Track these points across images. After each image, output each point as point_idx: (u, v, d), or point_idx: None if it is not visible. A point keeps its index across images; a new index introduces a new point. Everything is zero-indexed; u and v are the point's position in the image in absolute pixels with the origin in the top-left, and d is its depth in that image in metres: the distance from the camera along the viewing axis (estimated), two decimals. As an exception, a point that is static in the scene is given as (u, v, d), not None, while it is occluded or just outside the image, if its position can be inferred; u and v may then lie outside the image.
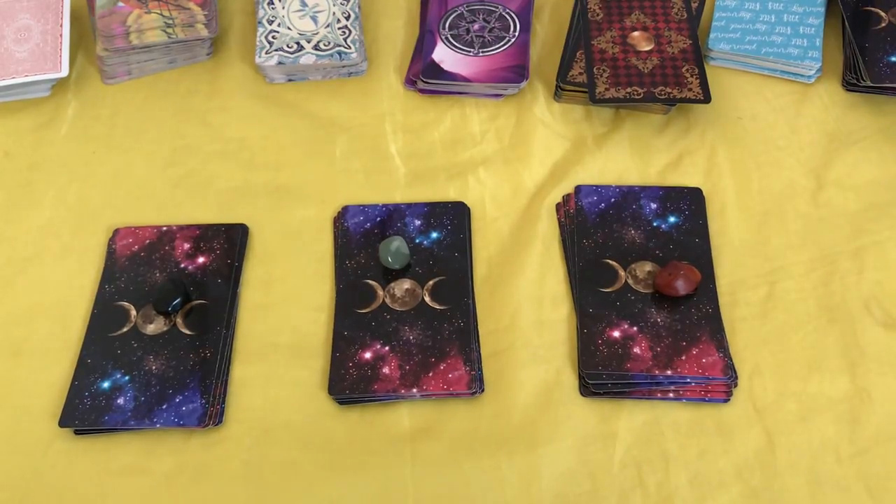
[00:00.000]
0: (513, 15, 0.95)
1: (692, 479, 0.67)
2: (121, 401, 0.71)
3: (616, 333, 0.72)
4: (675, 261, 0.76)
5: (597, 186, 0.82)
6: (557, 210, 0.82)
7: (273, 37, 0.92)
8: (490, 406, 0.71)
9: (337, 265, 0.79)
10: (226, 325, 0.75)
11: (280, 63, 0.90)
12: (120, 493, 0.68)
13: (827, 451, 0.67)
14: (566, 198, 0.82)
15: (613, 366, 0.70)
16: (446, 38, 0.93)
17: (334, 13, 0.93)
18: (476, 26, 0.94)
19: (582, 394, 0.71)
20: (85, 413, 0.70)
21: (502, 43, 0.92)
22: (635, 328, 0.73)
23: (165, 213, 0.84)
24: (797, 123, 0.87)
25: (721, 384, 0.70)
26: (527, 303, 0.76)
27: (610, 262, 0.77)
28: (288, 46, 0.91)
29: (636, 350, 0.71)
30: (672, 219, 0.79)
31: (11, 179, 0.87)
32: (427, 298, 0.76)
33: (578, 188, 0.82)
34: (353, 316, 0.75)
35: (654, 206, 0.80)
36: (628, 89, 0.86)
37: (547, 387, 0.71)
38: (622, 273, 0.76)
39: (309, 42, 0.91)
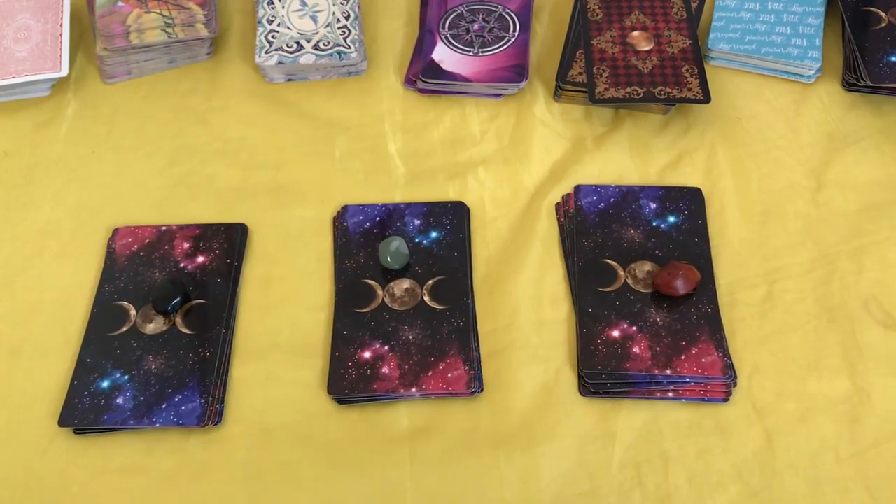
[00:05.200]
0: (512, 15, 0.95)
1: (691, 478, 0.67)
2: (120, 400, 0.71)
3: (615, 333, 0.72)
4: (674, 260, 0.76)
5: (596, 186, 0.82)
6: (557, 210, 0.82)
7: (273, 36, 0.92)
8: (489, 406, 0.71)
9: (336, 265, 0.79)
10: (225, 325, 0.75)
11: (280, 63, 0.91)
12: (119, 492, 0.68)
13: (826, 451, 0.67)
14: (566, 197, 0.82)
15: (613, 365, 0.70)
16: (446, 38, 0.93)
17: (334, 13, 0.93)
18: (476, 26, 0.94)
19: (581, 393, 0.71)
20: (84, 412, 0.70)
21: (502, 43, 0.92)
22: (634, 328, 0.73)
23: (165, 212, 0.84)
24: (797, 123, 0.87)
25: (720, 384, 0.70)
26: (526, 302, 0.76)
27: (609, 261, 0.77)
28: (288, 46, 0.91)
29: (635, 350, 0.71)
30: (671, 219, 0.79)
31: (11, 179, 0.87)
32: (426, 298, 0.76)
33: (578, 188, 0.82)
34: (353, 316, 0.75)
35: (653, 205, 0.80)
36: (628, 89, 0.86)
37: (546, 386, 0.71)
38: (621, 273, 0.76)
39: (309, 42, 0.91)
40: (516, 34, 0.93)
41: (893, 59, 0.86)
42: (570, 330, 0.74)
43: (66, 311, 0.78)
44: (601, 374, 0.70)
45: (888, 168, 0.83)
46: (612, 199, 0.81)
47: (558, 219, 0.81)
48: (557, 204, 0.82)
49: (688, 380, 0.70)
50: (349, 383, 0.71)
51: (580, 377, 0.71)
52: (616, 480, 0.67)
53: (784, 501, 0.65)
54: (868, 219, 0.80)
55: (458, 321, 0.74)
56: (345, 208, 0.82)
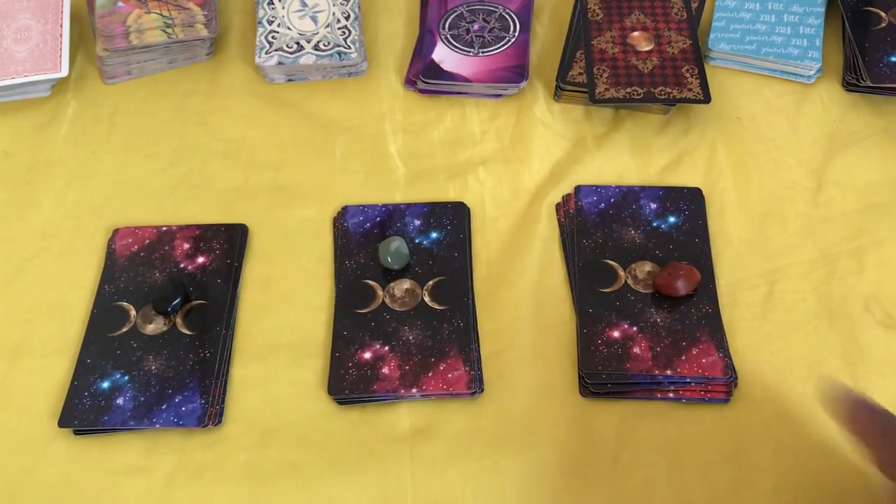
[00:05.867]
0: (513, 15, 0.95)
1: (692, 479, 0.67)
2: (120, 401, 0.71)
3: (616, 333, 0.72)
4: (674, 261, 0.76)
5: (596, 186, 0.82)
6: (557, 210, 0.82)
7: (273, 37, 0.92)
8: (490, 406, 0.71)
9: (336, 265, 0.79)
10: (225, 326, 0.75)
11: (280, 63, 0.90)
12: (119, 492, 0.68)
13: (827, 451, 0.67)
14: (566, 198, 0.82)
15: (613, 366, 0.70)
16: (446, 38, 0.93)
17: (334, 13, 0.93)
18: (476, 26, 0.94)
19: (581, 394, 0.71)
20: (84, 413, 0.70)
21: (502, 43, 0.92)
22: (635, 328, 0.73)
23: (165, 213, 0.84)
24: (797, 123, 0.87)
25: (721, 384, 0.70)
26: (526, 303, 0.76)
27: (609, 262, 0.77)
28: (288, 46, 0.91)
29: (636, 350, 0.71)
30: (672, 219, 0.79)
31: (11, 179, 0.87)
32: (427, 298, 0.76)
33: (578, 188, 0.82)
34: (353, 316, 0.75)
35: (653, 206, 0.80)
36: (628, 89, 0.86)
37: (546, 387, 0.71)
38: (622, 273, 0.76)
39: (309, 42, 0.91)
40: (516, 34, 0.93)
41: (894, 59, 0.86)
42: (570, 330, 0.74)
43: (66, 311, 0.77)
44: (601, 375, 0.70)
45: (889, 168, 0.83)
46: (612, 200, 0.81)
47: (558, 219, 0.81)
48: (558, 204, 0.82)
49: (688, 380, 0.70)
50: (349, 384, 0.71)
51: (580, 378, 0.71)
52: (616, 481, 0.67)
53: (784, 502, 0.65)
54: (868, 219, 0.80)
55: (458, 321, 0.74)
56: (345, 209, 0.82)
